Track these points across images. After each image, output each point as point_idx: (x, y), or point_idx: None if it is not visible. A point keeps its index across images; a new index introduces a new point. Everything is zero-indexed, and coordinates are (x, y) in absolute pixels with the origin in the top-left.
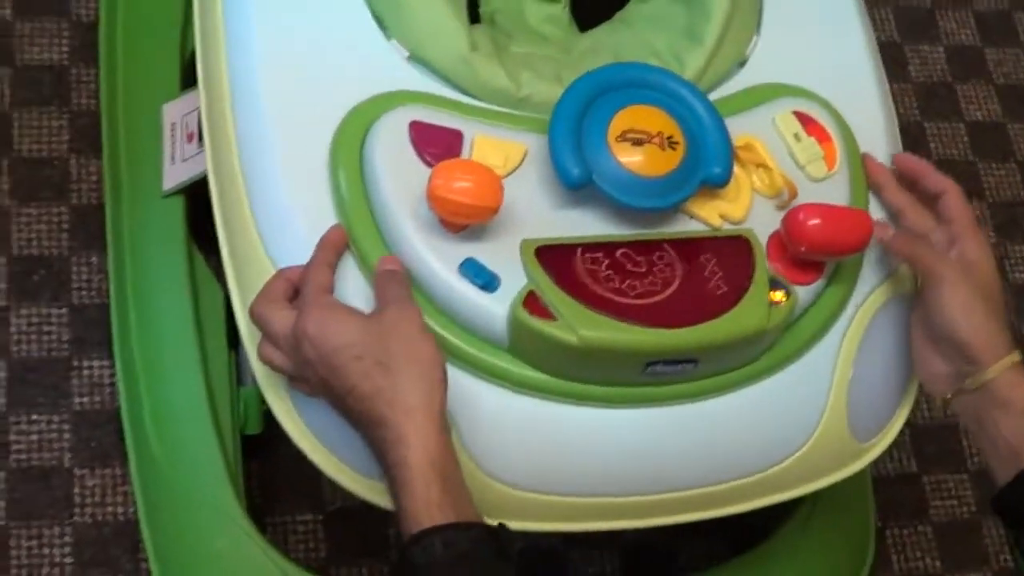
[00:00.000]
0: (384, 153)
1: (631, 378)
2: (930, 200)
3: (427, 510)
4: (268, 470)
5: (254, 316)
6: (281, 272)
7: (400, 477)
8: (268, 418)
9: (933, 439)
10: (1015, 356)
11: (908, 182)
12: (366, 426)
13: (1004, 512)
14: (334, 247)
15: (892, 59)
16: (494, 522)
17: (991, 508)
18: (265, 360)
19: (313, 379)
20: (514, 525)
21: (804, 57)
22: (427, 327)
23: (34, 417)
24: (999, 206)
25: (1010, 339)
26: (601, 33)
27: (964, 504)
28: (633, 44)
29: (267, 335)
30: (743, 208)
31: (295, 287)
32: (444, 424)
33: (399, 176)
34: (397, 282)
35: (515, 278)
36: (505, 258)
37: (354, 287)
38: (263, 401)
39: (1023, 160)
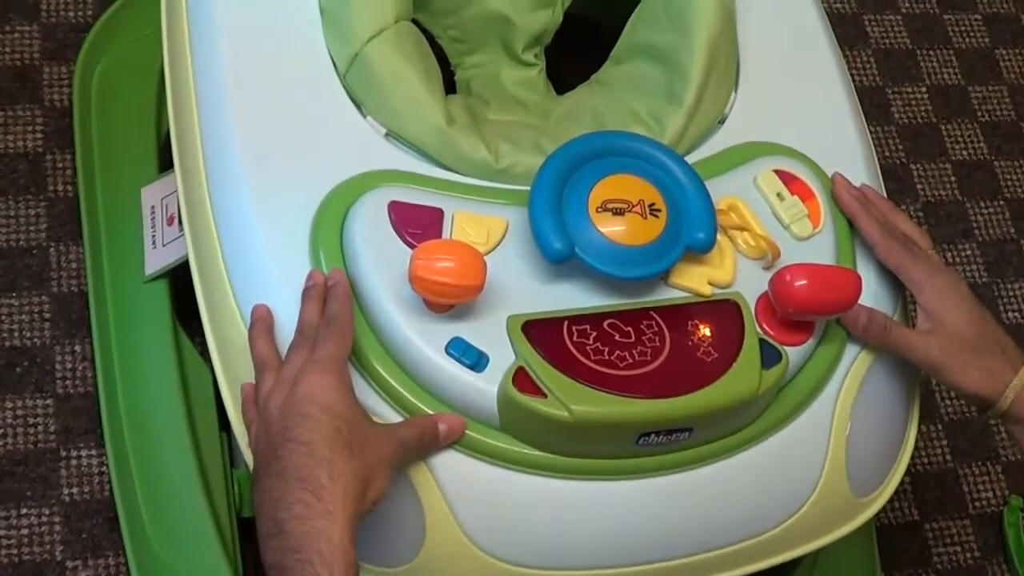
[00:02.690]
0: (364, 235)
1: (625, 450)
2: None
3: None
4: None
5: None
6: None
7: (319, 549)
8: None
9: (933, 485)
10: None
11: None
12: (291, 480)
13: None
14: (349, 308)
15: (875, 102)
16: None
17: None
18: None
19: (270, 413)
20: None
21: (783, 112)
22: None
23: (23, 511)
24: (989, 244)
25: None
26: (579, 96)
27: (967, 550)
28: (612, 107)
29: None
30: (729, 272)
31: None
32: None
33: (380, 258)
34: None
35: (503, 355)
36: (492, 335)
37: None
38: None
39: (1011, 197)
